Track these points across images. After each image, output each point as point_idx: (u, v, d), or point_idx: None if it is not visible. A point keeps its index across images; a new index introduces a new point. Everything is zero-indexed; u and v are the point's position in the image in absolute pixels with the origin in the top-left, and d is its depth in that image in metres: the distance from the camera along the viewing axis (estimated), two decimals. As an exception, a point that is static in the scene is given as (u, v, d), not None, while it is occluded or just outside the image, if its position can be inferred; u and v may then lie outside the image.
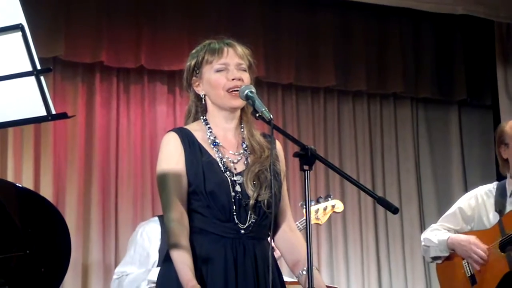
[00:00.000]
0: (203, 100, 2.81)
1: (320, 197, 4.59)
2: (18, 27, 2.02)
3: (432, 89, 7.07)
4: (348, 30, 6.81)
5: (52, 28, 5.69)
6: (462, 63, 7.17)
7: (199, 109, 2.84)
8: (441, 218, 4.37)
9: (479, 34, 7.15)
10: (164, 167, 2.72)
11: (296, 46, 6.55)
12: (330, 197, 4.58)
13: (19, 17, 2.03)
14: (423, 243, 4.30)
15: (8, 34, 2.03)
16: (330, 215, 4.58)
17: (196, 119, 2.85)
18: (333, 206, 4.53)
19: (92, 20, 5.85)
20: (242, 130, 2.82)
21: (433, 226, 4.33)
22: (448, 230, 4.24)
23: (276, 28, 6.50)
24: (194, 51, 2.85)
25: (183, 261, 2.59)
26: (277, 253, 4.29)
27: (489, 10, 6.65)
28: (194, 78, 2.82)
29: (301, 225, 4.37)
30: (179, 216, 2.66)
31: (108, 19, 5.93)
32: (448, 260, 4.21)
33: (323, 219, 4.51)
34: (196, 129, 2.79)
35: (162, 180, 2.71)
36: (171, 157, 2.72)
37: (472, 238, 4.10)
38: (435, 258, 4.26)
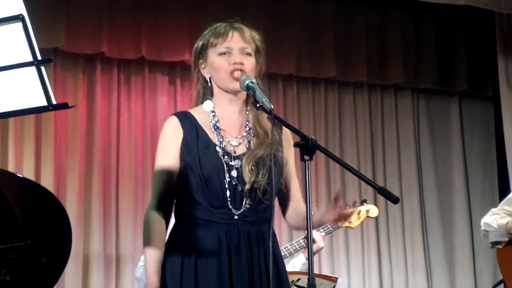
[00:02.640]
0: (209, 83, 2.83)
1: (356, 201, 4.56)
2: (18, 18, 2.02)
3: (433, 79, 7.06)
4: (349, 20, 6.80)
5: (53, 19, 5.69)
6: (463, 54, 7.16)
7: (207, 91, 2.85)
8: (501, 202, 4.27)
9: (480, 25, 7.14)
10: (160, 156, 2.77)
11: (297, 37, 6.54)
12: (366, 202, 4.53)
13: (20, 8, 2.03)
14: (482, 228, 4.18)
15: (9, 24, 2.03)
16: (363, 220, 4.54)
17: (204, 101, 2.85)
18: (367, 211, 4.49)
19: (93, 11, 5.85)
20: (248, 113, 2.82)
21: (493, 210, 4.23)
22: (509, 214, 4.14)
23: (277, 18, 6.48)
24: (204, 33, 2.86)
25: (152, 254, 2.67)
26: (317, 246, 4.26)
27: (490, 1, 6.62)
28: (200, 60, 2.83)
29: (324, 230, 4.35)
30: (161, 207, 2.72)
31: (109, 10, 5.93)
32: (509, 245, 4.11)
33: (355, 223, 4.44)
34: (200, 112, 2.81)
35: (156, 168, 2.76)
36: (167, 145, 2.76)
37: None
38: (495, 243, 4.16)
